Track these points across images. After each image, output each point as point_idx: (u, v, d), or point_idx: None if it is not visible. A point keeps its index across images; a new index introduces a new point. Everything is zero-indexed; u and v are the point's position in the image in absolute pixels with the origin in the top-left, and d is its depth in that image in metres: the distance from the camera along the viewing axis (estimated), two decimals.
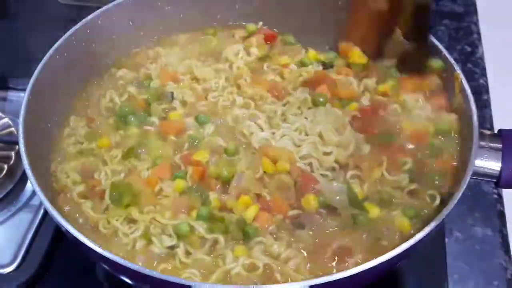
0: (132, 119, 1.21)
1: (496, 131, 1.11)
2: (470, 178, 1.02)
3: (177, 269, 1.02)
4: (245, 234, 1.04)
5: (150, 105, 1.24)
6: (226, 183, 1.10)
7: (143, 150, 1.17)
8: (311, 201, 1.06)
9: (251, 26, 1.38)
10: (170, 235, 1.05)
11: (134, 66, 1.33)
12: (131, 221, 1.08)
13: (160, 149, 1.16)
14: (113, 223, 1.07)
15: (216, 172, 1.11)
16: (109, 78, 1.32)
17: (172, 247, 1.04)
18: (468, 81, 1.15)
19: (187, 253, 1.04)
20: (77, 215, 1.09)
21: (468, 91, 1.13)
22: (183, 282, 0.93)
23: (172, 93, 1.25)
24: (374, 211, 1.06)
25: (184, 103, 1.25)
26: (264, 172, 1.11)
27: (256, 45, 1.34)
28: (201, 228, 1.04)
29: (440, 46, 1.21)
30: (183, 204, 1.08)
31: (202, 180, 1.11)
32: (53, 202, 1.03)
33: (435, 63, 1.19)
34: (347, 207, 1.06)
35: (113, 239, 1.06)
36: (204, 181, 1.11)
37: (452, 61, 1.18)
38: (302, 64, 1.31)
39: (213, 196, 1.09)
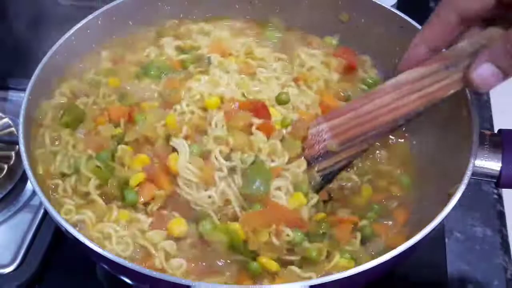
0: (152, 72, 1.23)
1: (496, 131, 1.11)
2: (470, 178, 1.02)
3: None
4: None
5: (186, 68, 1.25)
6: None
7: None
8: None
9: (329, 39, 1.35)
10: (68, 165, 1.10)
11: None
12: (57, 139, 1.15)
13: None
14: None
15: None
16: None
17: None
18: None
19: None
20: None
21: (468, 91, 1.13)
22: (183, 282, 0.93)
23: (209, 57, 1.25)
24: None
25: (225, 70, 1.23)
26: None
27: (337, 71, 1.28)
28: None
29: None
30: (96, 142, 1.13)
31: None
32: (53, 202, 1.04)
33: None
34: None
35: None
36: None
37: None
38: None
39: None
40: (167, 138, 1.11)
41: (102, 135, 1.13)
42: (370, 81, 1.29)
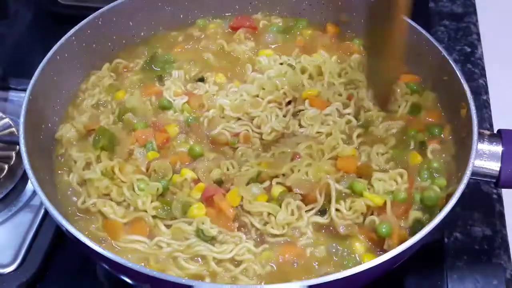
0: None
1: (495, 131, 1.11)
2: (470, 178, 1.03)
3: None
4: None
5: None
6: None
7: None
8: None
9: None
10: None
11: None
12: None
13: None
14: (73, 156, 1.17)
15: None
16: None
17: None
18: (468, 81, 1.15)
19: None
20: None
21: (468, 91, 1.13)
22: (183, 282, 0.93)
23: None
24: None
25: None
26: None
27: None
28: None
29: (440, 47, 1.21)
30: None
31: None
32: (53, 202, 1.04)
33: None
34: None
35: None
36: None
37: (452, 62, 1.18)
38: None
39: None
40: None
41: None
42: None
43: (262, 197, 1.10)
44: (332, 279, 0.91)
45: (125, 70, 1.34)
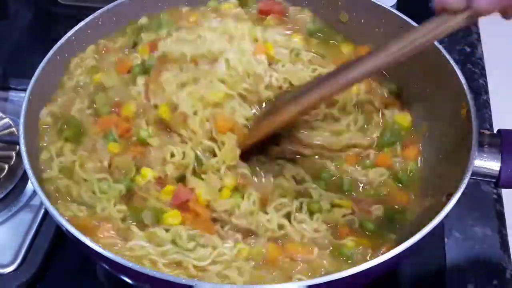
0: None
1: (495, 131, 1.11)
2: (470, 178, 1.02)
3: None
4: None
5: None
6: None
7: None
8: None
9: None
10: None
11: None
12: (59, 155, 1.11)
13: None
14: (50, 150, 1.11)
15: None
16: None
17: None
18: (468, 81, 1.15)
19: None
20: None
21: (468, 91, 1.13)
22: (183, 282, 0.93)
23: None
24: None
25: None
26: None
27: None
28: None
29: (440, 47, 1.21)
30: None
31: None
32: (53, 202, 1.04)
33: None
34: None
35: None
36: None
37: (452, 62, 1.18)
38: None
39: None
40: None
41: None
42: None
43: (225, 192, 1.08)
44: (332, 279, 0.90)
45: (104, 49, 1.29)
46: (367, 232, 1.07)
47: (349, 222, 1.08)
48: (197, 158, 1.10)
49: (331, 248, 1.05)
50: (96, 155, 1.11)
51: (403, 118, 1.22)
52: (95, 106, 1.18)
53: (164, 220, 1.05)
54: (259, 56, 1.21)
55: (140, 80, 1.19)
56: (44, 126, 1.16)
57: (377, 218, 1.09)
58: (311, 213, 1.08)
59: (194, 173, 1.10)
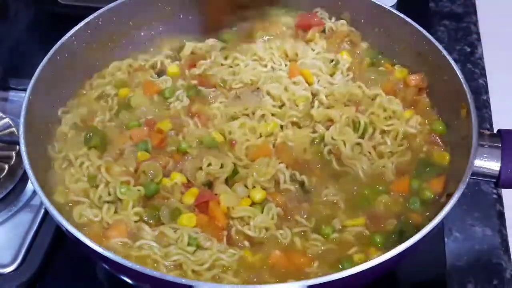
0: None
1: (495, 131, 1.11)
2: (470, 178, 1.02)
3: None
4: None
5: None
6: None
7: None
8: None
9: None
10: (109, 192, 1.10)
11: None
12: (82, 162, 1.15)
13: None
14: (69, 156, 1.15)
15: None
16: None
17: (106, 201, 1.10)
18: (468, 81, 1.15)
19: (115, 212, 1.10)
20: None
21: (468, 91, 1.13)
22: (183, 282, 0.93)
23: None
24: None
25: None
26: None
27: None
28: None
29: (440, 47, 1.21)
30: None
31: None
32: (53, 202, 1.04)
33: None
34: None
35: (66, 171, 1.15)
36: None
37: (452, 62, 1.18)
38: None
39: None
40: None
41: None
42: None
43: (245, 201, 1.09)
44: (332, 279, 0.91)
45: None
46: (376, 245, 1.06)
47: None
48: (233, 171, 1.14)
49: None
50: (122, 161, 1.15)
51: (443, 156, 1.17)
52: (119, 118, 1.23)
53: (180, 221, 1.07)
54: (295, 78, 1.26)
55: (182, 101, 1.25)
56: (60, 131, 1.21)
57: (387, 232, 1.07)
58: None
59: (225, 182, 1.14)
